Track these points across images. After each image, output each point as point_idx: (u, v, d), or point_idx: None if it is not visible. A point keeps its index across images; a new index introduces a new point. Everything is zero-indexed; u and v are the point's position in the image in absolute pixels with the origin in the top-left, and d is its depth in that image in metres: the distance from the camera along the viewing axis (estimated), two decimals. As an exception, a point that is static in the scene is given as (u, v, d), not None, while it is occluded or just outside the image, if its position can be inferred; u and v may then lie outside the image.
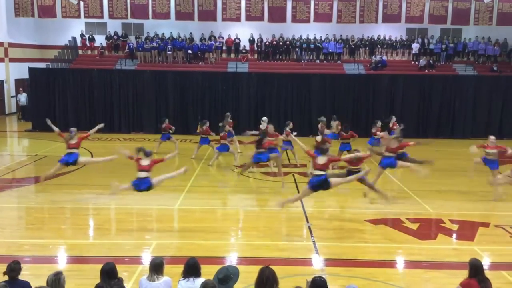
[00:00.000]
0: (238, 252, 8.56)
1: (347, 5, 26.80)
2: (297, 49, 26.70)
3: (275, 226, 9.95)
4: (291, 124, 15.18)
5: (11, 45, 26.98)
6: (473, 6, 26.63)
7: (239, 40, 26.85)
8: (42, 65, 24.59)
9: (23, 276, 5.38)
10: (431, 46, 26.54)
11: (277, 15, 26.98)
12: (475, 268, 5.47)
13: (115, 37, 27.39)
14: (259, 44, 26.81)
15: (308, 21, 27.00)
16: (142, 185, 9.48)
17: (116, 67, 24.74)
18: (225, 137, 14.94)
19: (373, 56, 26.29)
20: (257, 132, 14.57)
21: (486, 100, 21.86)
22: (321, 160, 9.35)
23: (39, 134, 20.88)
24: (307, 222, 9.94)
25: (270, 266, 4.94)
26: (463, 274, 5.66)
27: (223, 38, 27.05)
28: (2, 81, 26.69)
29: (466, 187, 12.79)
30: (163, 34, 26.77)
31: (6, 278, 5.29)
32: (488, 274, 5.61)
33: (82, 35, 27.56)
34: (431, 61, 25.65)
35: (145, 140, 20.04)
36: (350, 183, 11.66)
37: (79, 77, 22.12)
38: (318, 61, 26.65)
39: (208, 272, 5.49)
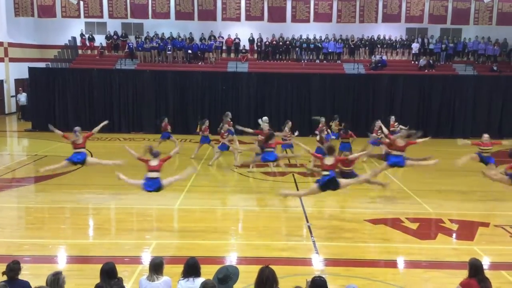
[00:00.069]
0: (238, 252, 8.56)
1: (347, 5, 26.80)
2: (297, 49, 26.70)
3: (275, 226, 9.95)
4: (290, 123, 15.20)
5: (11, 45, 26.98)
6: (473, 6, 26.63)
7: (239, 40, 26.85)
8: (42, 65, 24.60)
9: (23, 276, 5.38)
10: (431, 46, 26.54)
11: (277, 15, 26.98)
12: (475, 268, 5.47)
13: (115, 37, 27.38)
14: (259, 44, 26.81)
15: (308, 21, 27.00)
16: (153, 186, 9.38)
17: (116, 67, 24.73)
18: (223, 136, 14.95)
19: (373, 56, 26.28)
20: (251, 130, 14.51)
21: (486, 100, 21.87)
22: (329, 160, 9.26)
23: (39, 134, 20.88)
24: (307, 222, 9.94)
25: (270, 266, 4.95)
26: (463, 274, 5.66)
27: (223, 38, 27.05)
28: (2, 81, 26.68)
29: (466, 187, 12.79)
30: (163, 34, 26.76)
31: (5, 278, 5.29)
32: (488, 273, 5.61)
33: (82, 35, 27.55)
34: (431, 61, 25.65)
35: (145, 140, 20.04)
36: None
37: (79, 77, 22.12)
38: (318, 61, 26.65)
39: (208, 272, 5.49)
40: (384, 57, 26.13)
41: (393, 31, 27.23)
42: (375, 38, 26.96)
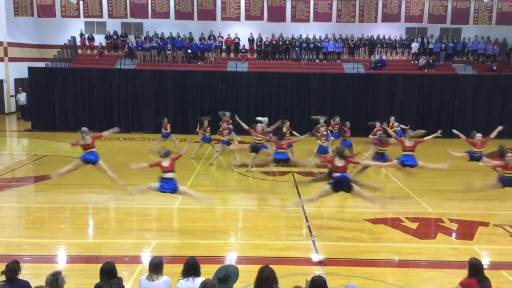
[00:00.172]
0: (237, 251, 8.56)
1: (346, 5, 26.79)
2: (297, 48, 26.68)
3: (274, 226, 9.96)
4: (288, 122, 15.23)
5: (10, 44, 26.97)
6: (473, 5, 26.63)
7: (239, 39, 26.83)
8: (41, 64, 24.60)
9: (23, 275, 5.37)
10: (431, 46, 26.53)
11: (276, 15, 26.97)
12: (475, 268, 5.47)
13: (114, 36, 27.35)
14: (258, 43, 26.80)
15: (307, 20, 26.98)
16: (169, 188, 9.21)
17: (116, 67, 24.72)
18: (222, 133, 14.97)
19: (373, 55, 26.27)
20: (246, 127, 14.51)
21: (486, 100, 21.89)
22: (339, 162, 9.14)
23: (38, 134, 20.91)
24: (307, 221, 9.94)
25: (270, 266, 4.95)
26: (463, 273, 5.66)
27: (222, 37, 27.03)
28: (2, 80, 26.68)
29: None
30: (163, 33, 26.74)
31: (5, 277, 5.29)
32: (487, 273, 5.61)
33: (81, 35, 27.53)
34: (430, 61, 25.65)
35: (144, 139, 20.06)
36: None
37: (78, 77, 22.12)
38: (317, 61, 26.64)
39: (208, 271, 5.49)
40: (384, 57, 26.13)
41: (392, 31, 27.23)
42: (375, 38, 26.96)
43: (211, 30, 26.85)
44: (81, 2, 26.59)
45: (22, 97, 25.75)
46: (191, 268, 5.29)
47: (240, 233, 9.63)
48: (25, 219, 10.44)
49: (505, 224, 10.03)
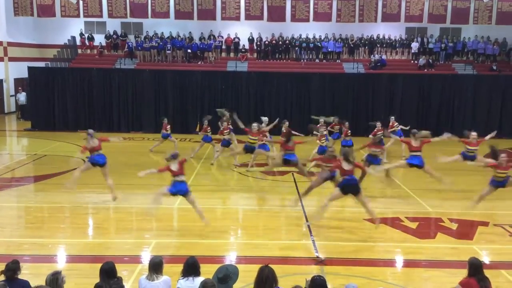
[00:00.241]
0: (237, 251, 8.56)
1: (346, 4, 26.79)
2: (297, 48, 26.69)
3: (274, 225, 9.96)
4: (287, 122, 15.23)
5: (10, 44, 26.97)
6: (473, 5, 26.62)
7: (239, 39, 26.84)
8: (41, 64, 24.60)
9: (23, 275, 5.36)
10: (431, 45, 26.53)
11: (276, 14, 26.96)
12: (475, 267, 5.47)
13: (114, 36, 27.35)
14: (258, 43, 26.80)
15: (307, 20, 26.98)
16: (180, 188, 9.08)
17: (116, 66, 24.72)
18: (222, 132, 14.95)
19: (373, 55, 26.28)
20: (242, 126, 14.48)
21: (486, 99, 21.90)
22: (347, 166, 9.03)
23: (38, 133, 20.91)
24: (307, 221, 9.93)
25: (270, 265, 4.95)
26: (462, 273, 5.66)
27: (222, 37, 27.04)
28: (1, 80, 26.68)
29: (465, 186, 12.78)
30: (163, 33, 26.74)
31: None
32: (487, 273, 5.60)
33: (81, 34, 27.53)
34: (430, 60, 25.65)
35: (144, 139, 20.06)
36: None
37: (78, 76, 22.12)
38: (317, 60, 26.64)
39: (208, 271, 5.49)
40: (384, 57, 26.13)
41: (392, 31, 27.24)
42: (375, 38, 26.96)
43: (211, 30, 26.85)
44: (81, 2, 26.60)
45: (22, 96, 25.75)
46: (191, 267, 5.29)
47: (240, 232, 9.63)
48: (25, 218, 10.44)
49: (505, 224, 10.03)
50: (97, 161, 10.94)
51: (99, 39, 27.45)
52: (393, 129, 16.53)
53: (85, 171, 11.27)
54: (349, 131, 15.14)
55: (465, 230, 9.71)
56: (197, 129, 16.54)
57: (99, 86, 21.98)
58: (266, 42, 26.69)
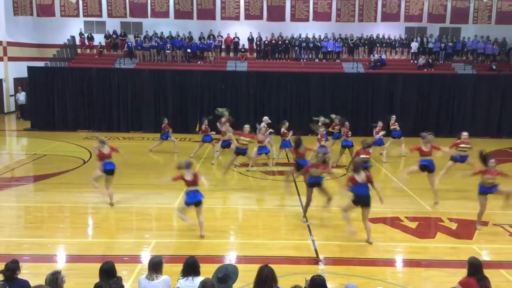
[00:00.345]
0: (237, 250, 8.56)
1: (346, 4, 26.80)
2: (296, 48, 26.70)
3: (274, 225, 9.96)
4: (287, 123, 15.22)
5: (9, 44, 26.95)
6: (472, 5, 26.63)
7: (238, 39, 26.84)
8: (41, 64, 24.58)
9: (22, 275, 5.36)
10: (430, 45, 26.54)
11: (276, 14, 26.97)
12: (474, 267, 5.47)
13: (114, 36, 27.35)
14: (258, 43, 26.80)
15: (307, 20, 26.98)
16: (194, 198, 8.95)
17: (115, 66, 24.71)
18: (225, 134, 14.88)
19: (372, 55, 26.28)
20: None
21: (485, 99, 21.90)
22: (359, 177, 8.89)
23: (38, 133, 20.90)
24: (306, 221, 9.93)
25: (269, 265, 4.95)
26: (462, 272, 5.67)
27: (222, 37, 27.04)
28: (1, 80, 26.66)
29: (465, 185, 12.77)
30: (162, 33, 26.74)
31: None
32: (487, 272, 5.61)
33: (81, 34, 27.53)
34: (430, 60, 25.66)
35: (144, 139, 20.05)
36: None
37: (78, 76, 22.11)
38: (317, 60, 26.64)
39: (207, 271, 5.50)
40: (383, 56, 26.15)
41: (392, 30, 27.25)
42: (374, 37, 26.97)
43: (211, 30, 26.85)
44: (80, 2, 26.59)
45: (22, 96, 25.74)
46: (190, 267, 5.29)
47: (239, 232, 9.62)
48: (25, 218, 10.44)
49: (505, 223, 10.05)
50: (107, 169, 10.75)
51: (99, 38, 27.46)
52: (394, 127, 16.54)
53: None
54: (350, 132, 15.11)
55: (465, 229, 9.71)
56: (197, 129, 16.52)
57: (99, 86, 21.96)
58: (266, 42, 26.70)
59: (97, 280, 5.16)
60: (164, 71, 22.79)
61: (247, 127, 13.27)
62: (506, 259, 8.27)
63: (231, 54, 27.17)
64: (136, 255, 8.18)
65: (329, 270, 7.65)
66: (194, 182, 8.92)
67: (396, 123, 16.65)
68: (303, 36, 26.80)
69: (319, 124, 15.24)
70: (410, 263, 8.28)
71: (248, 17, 26.99)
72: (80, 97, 21.98)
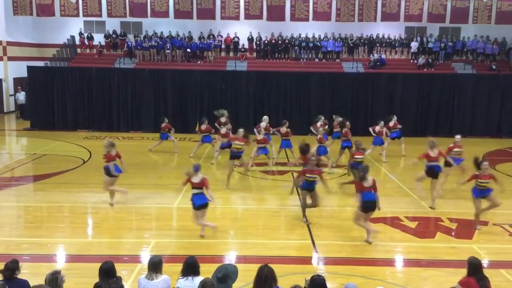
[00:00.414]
0: (237, 250, 8.56)
1: (346, 4, 26.80)
2: (296, 47, 26.70)
3: (274, 225, 9.96)
4: (287, 123, 15.21)
5: (9, 43, 26.94)
6: (472, 4, 26.64)
7: (238, 38, 26.84)
8: (40, 63, 24.58)
9: (22, 275, 5.36)
10: (430, 45, 26.55)
11: (276, 14, 26.97)
12: (474, 267, 5.47)
13: (113, 35, 27.35)
14: (258, 42, 26.80)
15: (307, 19, 26.99)
16: (203, 200, 8.88)
17: (115, 66, 24.71)
18: (228, 135, 14.80)
19: (372, 54, 26.28)
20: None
21: (485, 99, 21.91)
22: (367, 183, 8.88)
23: (37, 133, 20.89)
24: (306, 220, 9.92)
25: (269, 265, 4.95)
26: (462, 272, 5.66)
27: (222, 36, 27.04)
28: (1, 79, 26.65)
29: (465, 185, 12.74)
30: (162, 32, 26.74)
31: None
32: (486, 272, 5.62)
33: (80, 34, 27.52)
34: (430, 60, 25.66)
35: (143, 138, 20.05)
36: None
37: (77, 76, 22.09)
38: (317, 60, 26.64)
39: (207, 270, 5.49)
40: (383, 56, 26.15)
41: (392, 30, 27.25)
42: (374, 37, 26.97)
43: (211, 29, 26.85)
44: (80, 1, 26.60)
45: (21, 96, 25.73)
46: (190, 267, 5.29)
47: (239, 232, 9.61)
48: (24, 218, 10.43)
49: (504, 223, 10.04)
50: (107, 171, 10.68)
51: (99, 38, 27.45)
52: (396, 128, 16.49)
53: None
54: (350, 133, 15.09)
55: (465, 229, 9.71)
56: (197, 129, 16.52)
57: (99, 85, 21.95)
58: (266, 42, 26.70)
59: (96, 280, 5.16)
60: (164, 71, 22.79)
61: (241, 131, 13.13)
62: (506, 259, 8.27)
63: (231, 54, 27.17)
64: (136, 255, 8.18)
65: (329, 270, 7.65)
66: (200, 185, 8.88)
67: (399, 125, 16.59)
68: (303, 36, 26.80)
69: (319, 124, 15.24)
70: (410, 263, 8.27)
71: (248, 16, 26.99)
72: (79, 97, 21.97)
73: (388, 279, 7.42)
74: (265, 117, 15.88)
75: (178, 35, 26.76)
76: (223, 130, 15.13)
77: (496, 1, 26.46)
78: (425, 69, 24.93)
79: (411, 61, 26.54)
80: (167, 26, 27.13)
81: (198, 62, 25.94)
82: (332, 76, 22.76)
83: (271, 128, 15.43)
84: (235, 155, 12.76)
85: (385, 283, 7.19)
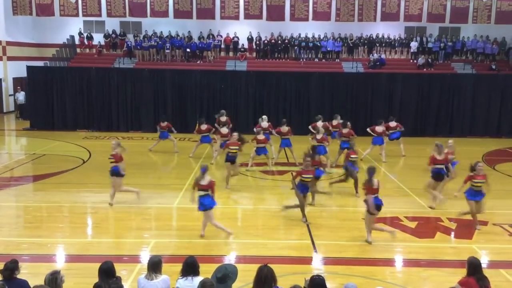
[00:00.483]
0: (236, 250, 8.55)
1: (345, 4, 26.79)
2: (296, 47, 26.68)
3: (273, 225, 9.95)
4: (286, 123, 15.21)
5: (9, 43, 26.92)
6: (472, 4, 26.64)
7: (238, 38, 26.82)
8: (40, 63, 24.56)
9: (21, 275, 5.36)
10: (430, 45, 26.53)
11: (275, 14, 26.96)
12: (474, 267, 5.47)
13: (113, 35, 27.32)
14: (257, 42, 26.79)
15: (306, 19, 26.97)
16: (213, 203, 8.89)
17: (114, 66, 24.69)
18: (228, 135, 14.76)
19: (372, 54, 26.27)
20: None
21: (485, 99, 21.91)
22: (375, 186, 8.83)
23: (37, 133, 20.88)
24: (306, 220, 9.92)
25: (269, 265, 4.94)
26: (462, 272, 5.66)
27: (221, 36, 27.02)
28: (0, 79, 26.64)
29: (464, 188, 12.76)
30: (161, 32, 26.72)
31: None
32: (486, 272, 5.61)
33: (80, 34, 27.48)
34: (429, 60, 25.66)
35: (143, 138, 20.04)
36: (347, 183, 11.87)
37: (77, 76, 22.09)
38: (316, 60, 26.63)
39: (207, 270, 5.49)
40: (383, 56, 26.13)
41: (391, 30, 27.24)
42: (374, 37, 26.96)
43: (210, 29, 26.84)
44: (79, 1, 26.56)
45: (21, 96, 25.72)
46: (190, 267, 5.28)
47: (239, 232, 9.60)
48: (24, 218, 10.43)
49: (504, 223, 10.04)
50: (117, 172, 10.76)
51: (98, 38, 27.42)
52: (398, 129, 16.44)
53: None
54: (354, 133, 15.06)
55: (464, 229, 9.70)
56: (196, 129, 16.51)
57: (98, 85, 21.94)
58: (265, 41, 26.68)
59: (96, 280, 5.15)
60: (163, 70, 22.78)
61: (235, 134, 13.10)
62: (506, 259, 8.27)
63: (231, 54, 27.15)
64: (135, 255, 8.17)
65: (329, 270, 7.64)
66: (207, 187, 8.84)
67: (402, 128, 16.56)
68: (303, 35, 26.79)
69: (319, 123, 15.24)
70: (409, 262, 8.27)
71: (247, 16, 26.98)
72: (79, 97, 21.96)
73: (387, 279, 7.42)
74: (265, 117, 15.88)
75: (178, 35, 26.75)
76: (224, 130, 15.12)
77: (496, 1, 26.46)
78: (424, 69, 24.93)
79: (411, 61, 26.54)
80: (167, 26, 27.12)
81: (198, 62, 25.93)
82: (332, 76, 22.76)
83: (273, 130, 15.42)
84: (230, 159, 12.72)
85: (385, 283, 7.19)
